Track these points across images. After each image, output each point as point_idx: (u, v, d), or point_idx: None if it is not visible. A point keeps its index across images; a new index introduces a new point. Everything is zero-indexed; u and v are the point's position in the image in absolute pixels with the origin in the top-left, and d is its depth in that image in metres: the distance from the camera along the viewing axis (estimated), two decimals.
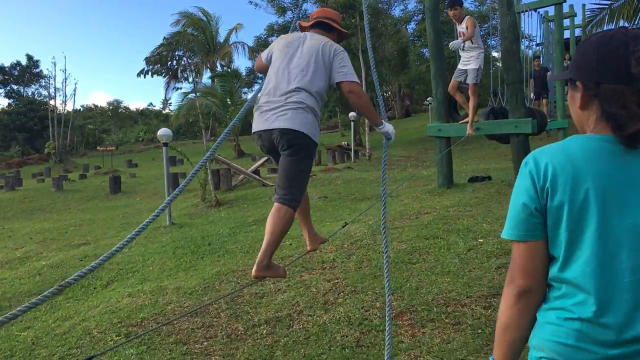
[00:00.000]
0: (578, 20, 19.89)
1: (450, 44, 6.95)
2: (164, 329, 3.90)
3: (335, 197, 9.22)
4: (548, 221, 1.15)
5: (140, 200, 13.37)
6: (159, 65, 9.14)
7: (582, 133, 1.21)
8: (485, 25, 19.26)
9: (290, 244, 6.08)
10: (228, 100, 25.42)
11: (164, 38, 9.66)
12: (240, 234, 7.24)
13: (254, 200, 10.09)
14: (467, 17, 7.10)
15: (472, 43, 7.16)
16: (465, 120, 7.50)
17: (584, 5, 30.26)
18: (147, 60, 8.98)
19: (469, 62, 7.30)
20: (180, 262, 6.18)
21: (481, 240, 4.99)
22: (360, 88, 2.98)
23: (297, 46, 2.93)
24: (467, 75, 7.27)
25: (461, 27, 7.23)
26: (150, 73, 8.88)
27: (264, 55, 3.09)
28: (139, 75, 9.53)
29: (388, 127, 3.08)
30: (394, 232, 5.76)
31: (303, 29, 3.18)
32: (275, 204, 2.83)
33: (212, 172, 12.32)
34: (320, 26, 3.09)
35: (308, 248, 3.35)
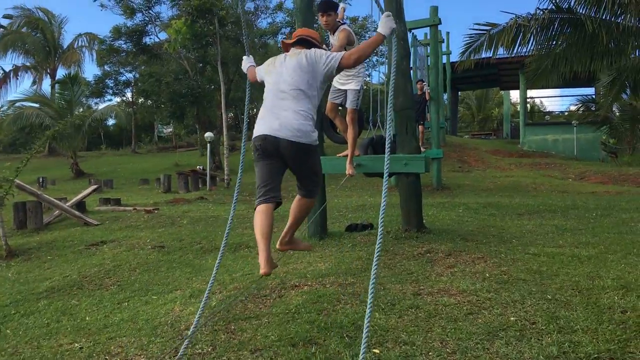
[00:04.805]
0: (444, 47, 20.01)
1: None
2: None
3: (175, 247, 6.98)
4: None
5: None
6: None
7: None
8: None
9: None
10: (67, 110, 21.73)
11: None
12: (15, 319, 4.73)
13: (64, 250, 7.42)
14: (342, 26, 5.44)
15: None
16: (344, 153, 5.86)
17: (447, 32, 31.59)
18: None
19: (347, 81, 5.72)
20: None
21: (377, 350, 3.24)
22: (351, 52, 3.33)
23: (281, 64, 3.42)
24: (345, 97, 5.73)
25: (333, 39, 5.58)
26: None
27: (259, 70, 3.67)
28: None
29: (388, 22, 3.23)
30: (245, 325, 3.81)
31: (286, 45, 3.60)
32: (299, 196, 3.49)
33: (14, 205, 9.32)
34: (301, 43, 3.52)
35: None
